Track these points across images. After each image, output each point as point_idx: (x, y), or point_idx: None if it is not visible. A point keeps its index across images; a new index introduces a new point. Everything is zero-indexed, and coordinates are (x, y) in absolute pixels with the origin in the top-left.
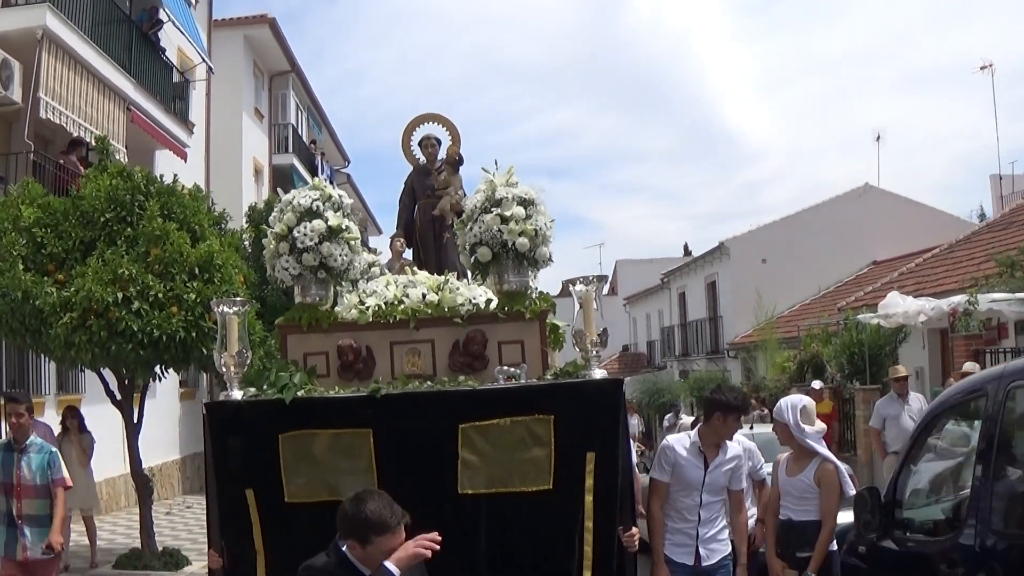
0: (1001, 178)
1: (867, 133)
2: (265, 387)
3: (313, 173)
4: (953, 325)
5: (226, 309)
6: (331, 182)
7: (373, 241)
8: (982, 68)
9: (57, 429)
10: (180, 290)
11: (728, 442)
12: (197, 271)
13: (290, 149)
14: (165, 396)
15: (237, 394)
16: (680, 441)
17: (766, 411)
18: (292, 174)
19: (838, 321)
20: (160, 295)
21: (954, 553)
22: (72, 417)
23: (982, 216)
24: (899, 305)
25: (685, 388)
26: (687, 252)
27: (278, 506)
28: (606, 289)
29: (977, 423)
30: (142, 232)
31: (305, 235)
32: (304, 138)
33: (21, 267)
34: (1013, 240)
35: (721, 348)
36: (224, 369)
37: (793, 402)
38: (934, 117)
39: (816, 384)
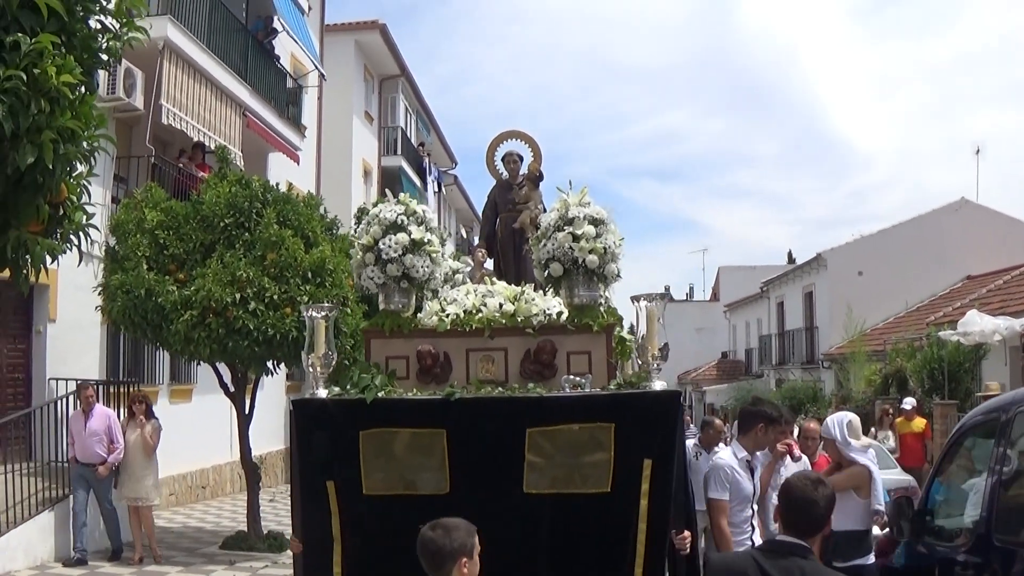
0: None
1: (975, 141)
2: (348, 387)
3: (421, 175)
4: None
5: (314, 314)
6: (439, 184)
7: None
8: None
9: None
10: (294, 292)
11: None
12: (310, 275)
13: (399, 151)
14: (273, 389)
15: (322, 392)
16: (731, 458)
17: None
18: (400, 176)
19: (922, 336)
20: (275, 297)
21: (972, 560)
22: (138, 402)
23: None
24: (977, 323)
25: (778, 397)
26: (791, 259)
27: (356, 498)
28: (708, 295)
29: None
30: (259, 237)
31: (390, 247)
32: (412, 140)
33: (145, 267)
34: None
35: (816, 358)
36: (311, 369)
37: (839, 419)
38: None
39: (908, 402)
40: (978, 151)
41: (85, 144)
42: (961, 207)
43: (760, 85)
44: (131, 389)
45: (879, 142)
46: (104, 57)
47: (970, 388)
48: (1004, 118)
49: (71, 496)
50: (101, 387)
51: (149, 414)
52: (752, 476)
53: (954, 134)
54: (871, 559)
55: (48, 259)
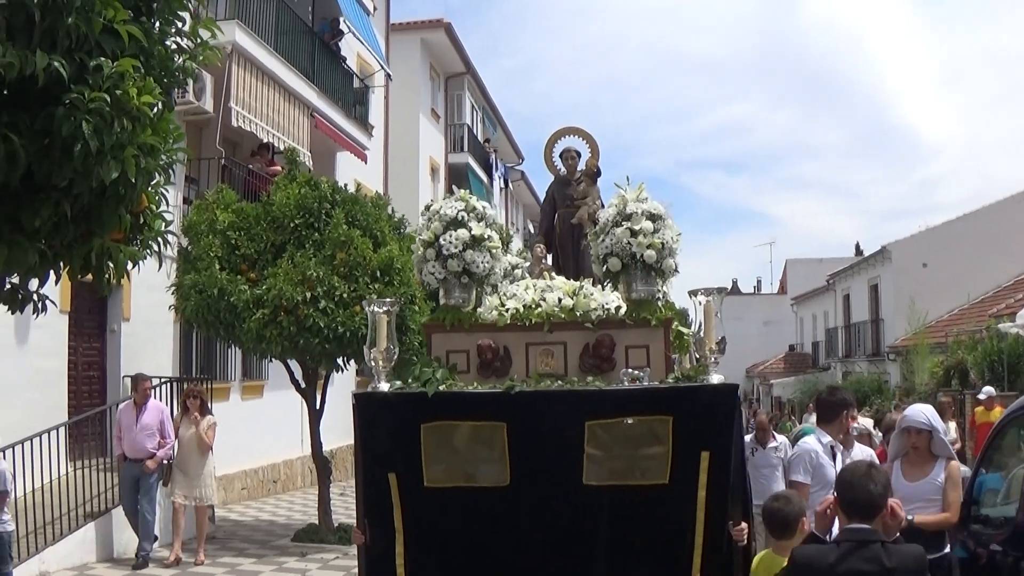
0: None
1: None
2: (410, 380)
3: (488, 171)
4: None
5: (375, 308)
6: (505, 180)
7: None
8: None
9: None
10: (363, 291)
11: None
12: (378, 274)
13: (465, 148)
14: (342, 385)
15: (384, 386)
16: (816, 443)
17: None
18: (467, 172)
19: (983, 329)
20: (344, 295)
21: (1011, 548)
22: (193, 397)
23: None
24: None
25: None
26: (859, 252)
27: (417, 490)
28: (776, 288)
29: None
30: (328, 237)
31: (450, 243)
32: (479, 137)
33: (217, 266)
34: None
35: (882, 351)
36: (373, 363)
37: (931, 411)
38: None
39: (986, 391)
40: None
41: (163, 157)
42: None
43: (825, 75)
44: (204, 385)
45: (946, 131)
46: (180, 76)
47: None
48: None
49: (123, 497)
50: (174, 384)
51: (204, 410)
52: (835, 462)
53: (1022, 124)
54: (947, 549)
55: (130, 265)
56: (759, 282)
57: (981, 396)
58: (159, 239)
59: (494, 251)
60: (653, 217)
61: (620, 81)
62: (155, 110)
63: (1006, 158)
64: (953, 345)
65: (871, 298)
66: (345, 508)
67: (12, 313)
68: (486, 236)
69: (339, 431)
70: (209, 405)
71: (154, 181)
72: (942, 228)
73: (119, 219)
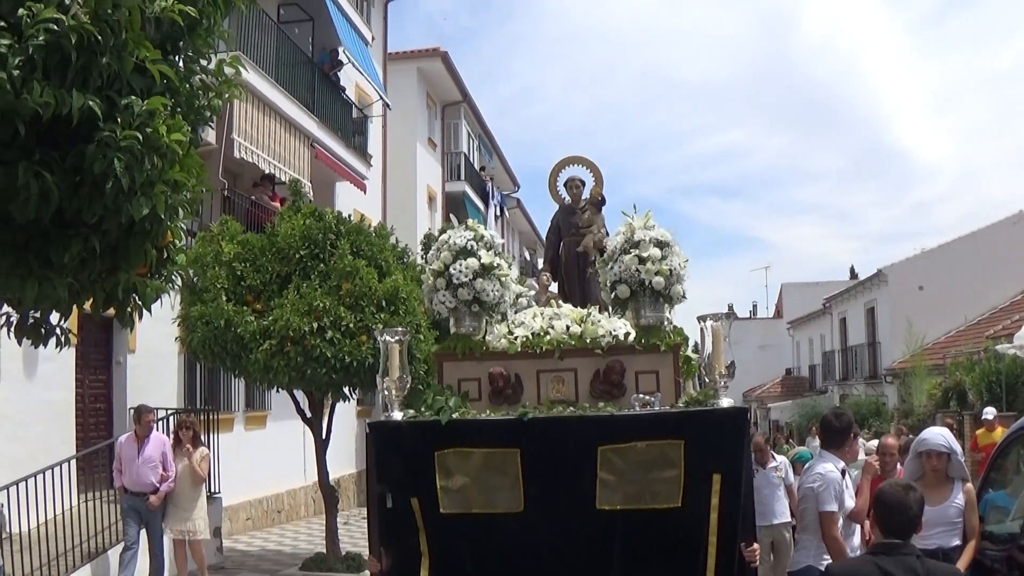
0: None
1: None
2: (423, 409)
3: (484, 199)
4: None
5: (388, 338)
6: (501, 208)
7: (541, 264)
8: None
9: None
10: (369, 321)
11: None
12: (384, 303)
13: (462, 176)
14: (344, 414)
15: (397, 415)
16: (837, 471)
17: (912, 437)
18: (464, 200)
19: (981, 350)
20: (351, 325)
21: (1015, 564)
22: (185, 428)
23: None
24: None
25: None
26: (853, 275)
27: (434, 516)
28: (772, 312)
29: None
30: (334, 268)
31: (460, 272)
32: (475, 165)
33: (223, 298)
34: None
35: (879, 373)
36: (386, 392)
37: (948, 433)
38: None
39: (989, 411)
40: None
41: (188, 193)
42: (1020, 220)
43: (821, 100)
44: (208, 416)
45: (941, 155)
46: (207, 113)
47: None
48: None
49: (125, 531)
50: (177, 415)
51: (197, 441)
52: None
53: (1016, 144)
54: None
55: (155, 299)
56: (755, 306)
57: (988, 416)
58: (180, 272)
59: (503, 279)
60: (661, 244)
61: (615, 107)
62: (183, 147)
63: (1000, 180)
64: (951, 367)
65: (867, 321)
66: (350, 537)
67: (35, 347)
68: (495, 264)
69: (343, 460)
70: (202, 436)
71: (178, 218)
72: (937, 251)
73: (144, 254)
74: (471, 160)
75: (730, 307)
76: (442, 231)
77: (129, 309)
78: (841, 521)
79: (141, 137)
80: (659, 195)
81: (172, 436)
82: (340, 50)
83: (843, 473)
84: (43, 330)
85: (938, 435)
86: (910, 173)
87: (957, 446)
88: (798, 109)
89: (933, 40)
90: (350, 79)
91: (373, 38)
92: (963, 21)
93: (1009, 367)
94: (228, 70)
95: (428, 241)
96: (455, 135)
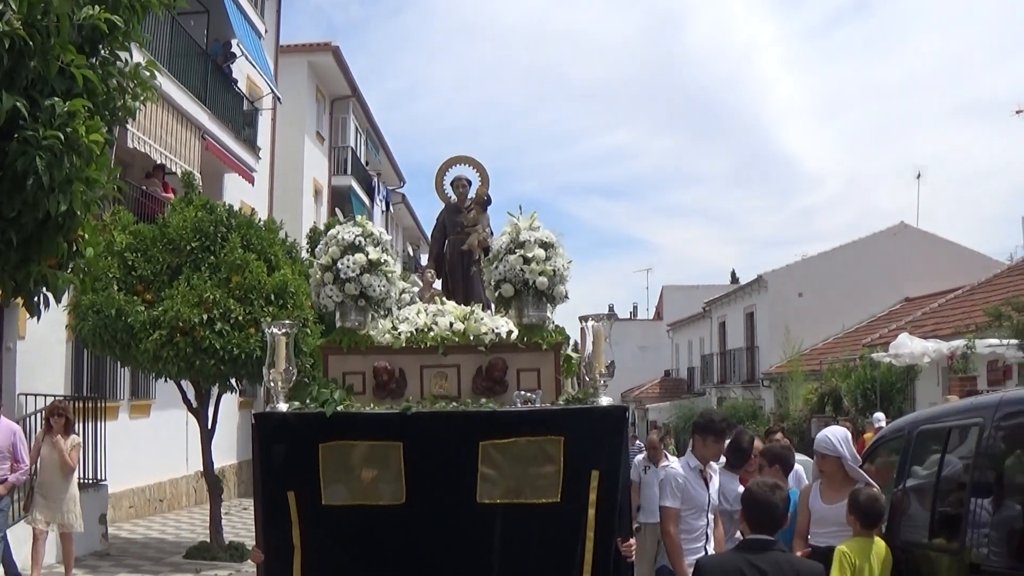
0: None
1: (917, 164)
2: (308, 401)
3: (370, 194)
4: (952, 366)
5: (275, 331)
6: (387, 203)
7: (424, 260)
8: (1018, 112)
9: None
10: (258, 314)
11: (713, 464)
12: (273, 297)
13: (348, 171)
14: (227, 405)
15: (283, 406)
16: (684, 467)
17: (786, 441)
18: (350, 195)
19: (857, 357)
20: (240, 318)
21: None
22: (57, 415)
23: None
24: (907, 346)
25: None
26: (734, 279)
27: (315, 508)
28: (652, 314)
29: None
30: (224, 260)
31: (348, 267)
32: (362, 160)
33: (115, 287)
34: None
35: (757, 377)
36: (272, 384)
37: (841, 435)
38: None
39: (878, 418)
40: (919, 175)
41: (101, 190)
42: (900, 231)
43: (708, 104)
44: (95, 405)
45: (826, 163)
46: (121, 115)
47: (902, 408)
48: (947, 140)
49: None
50: (69, 402)
51: (68, 429)
52: (707, 486)
53: (900, 155)
54: None
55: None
56: (635, 307)
57: (879, 423)
58: (88, 266)
59: (390, 275)
60: (545, 245)
61: (502, 105)
62: (100, 147)
63: (884, 189)
64: (827, 373)
65: (747, 325)
66: (231, 526)
67: None
68: (382, 261)
69: (223, 450)
70: (76, 425)
71: (91, 212)
72: (818, 258)
73: (57, 247)
74: (358, 155)
75: (611, 308)
76: (328, 225)
77: (36, 299)
78: (707, 518)
79: (63, 137)
80: (544, 194)
81: (44, 422)
82: (234, 43)
83: (702, 472)
84: None
85: (826, 438)
86: (795, 180)
87: (847, 450)
88: (685, 113)
89: (821, 49)
90: (242, 71)
91: (266, 30)
92: (852, 31)
93: (884, 374)
94: (143, 73)
95: (314, 235)
96: (343, 129)
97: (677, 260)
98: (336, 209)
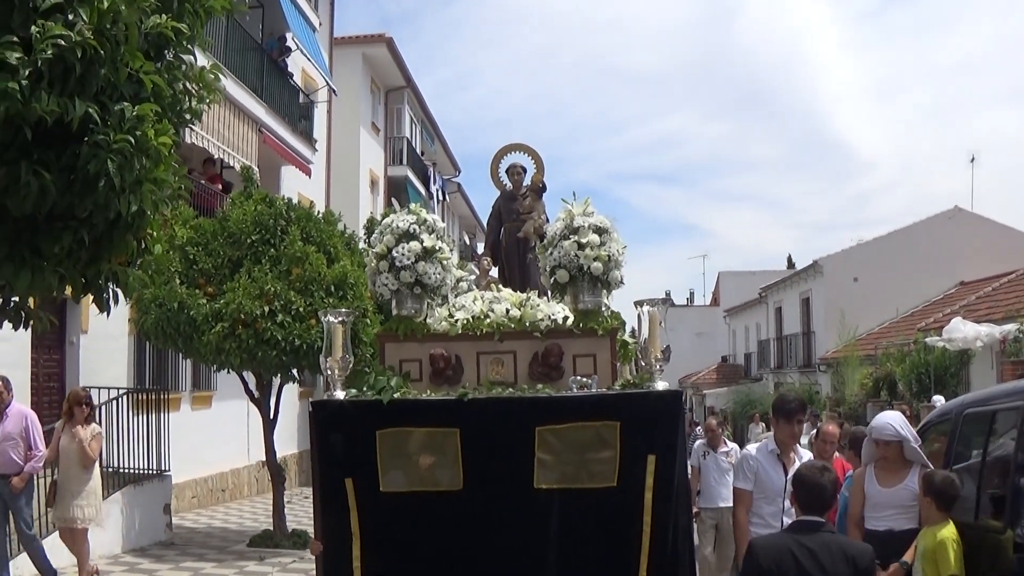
0: None
1: (971, 148)
2: (365, 389)
3: (425, 183)
4: (1004, 350)
5: (332, 319)
6: (443, 192)
7: (481, 248)
8: None
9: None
10: (318, 305)
11: (801, 448)
12: (332, 288)
13: (404, 161)
14: (286, 395)
15: (340, 394)
16: (760, 450)
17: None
18: (406, 185)
19: (911, 342)
20: (301, 309)
21: None
22: (79, 404)
23: None
24: (960, 330)
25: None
26: (791, 264)
27: (374, 495)
28: (708, 300)
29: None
30: (284, 253)
31: (403, 255)
32: (417, 149)
33: (177, 281)
34: None
35: (813, 362)
36: (329, 372)
37: (900, 419)
38: None
39: (938, 400)
40: (973, 159)
41: (169, 190)
42: (955, 215)
43: (761, 89)
44: (158, 396)
45: (880, 146)
46: (188, 117)
47: (956, 391)
48: (1002, 123)
49: None
50: (131, 395)
51: (90, 418)
52: (785, 470)
53: (955, 138)
54: None
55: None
56: (692, 294)
57: (936, 404)
58: (157, 263)
59: (445, 263)
60: (599, 230)
61: (554, 93)
62: (168, 148)
63: (939, 173)
64: (882, 357)
65: (803, 311)
66: (293, 515)
67: (15, 329)
68: (437, 248)
69: (284, 440)
70: (96, 414)
71: (159, 211)
72: (873, 243)
73: (127, 245)
74: (413, 145)
75: (667, 294)
76: (384, 216)
77: (106, 296)
78: (783, 504)
79: (133, 140)
80: (596, 181)
81: (65, 411)
82: (288, 36)
83: (778, 456)
84: (23, 313)
85: (886, 424)
86: (849, 164)
87: (910, 432)
88: (738, 98)
89: (875, 32)
90: (297, 64)
91: (320, 23)
92: (905, 13)
93: (938, 359)
94: (208, 76)
95: (371, 225)
96: (398, 120)
97: (732, 246)
98: (392, 199)
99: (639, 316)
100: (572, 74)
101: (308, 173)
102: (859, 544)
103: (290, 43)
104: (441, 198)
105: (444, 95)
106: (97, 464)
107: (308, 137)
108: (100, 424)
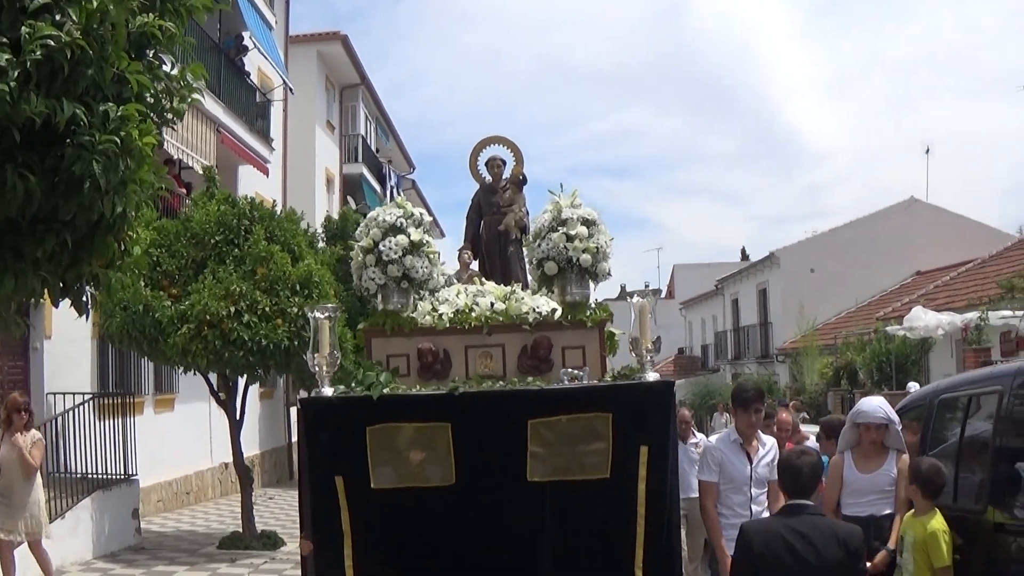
0: None
1: (925, 140)
2: (353, 385)
3: (381, 181)
4: (966, 338)
5: (318, 315)
6: (397, 189)
7: (436, 244)
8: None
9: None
10: (284, 304)
11: (763, 434)
12: (298, 287)
13: (359, 159)
14: (248, 396)
15: (328, 391)
16: (722, 440)
17: (804, 415)
18: (362, 183)
19: (871, 331)
20: (267, 309)
21: None
22: (17, 411)
23: None
24: (921, 319)
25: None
26: (745, 256)
27: (364, 492)
28: (664, 293)
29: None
30: (248, 253)
31: (390, 249)
32: (372, 147)
33: (141, 283)
34: None
35: (771, 353)
36: (316, 368)
37: (885, 403)
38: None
39: (913, 387)
40: (928, 150)
41: (151, 191)
42: (910, 206)
43: (715, 83)
44: (123, 400)
45: (833, 139)
46: (169, 117)
47: (918, 379)
48: (956, 114)
49: None
50: (96, 399)
51: (29, 425)
52: (750, 460)
53: (908, 131)
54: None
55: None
56: (647, 287)
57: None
58: (134, 263)
59: (432, 256)
60: (587, 222)
61: (507, 90)
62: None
63: (892, 165)
64: (842, 347)
65: (759, 302)
66: (259, 515)
67: None
68: (424, 242)
69: (246, 441)
70: (33, 420)
71: (141, 213)
72: (829, 234)
73: (108, 247)
74: (368, 142)
75: (623, 287)
76: (341, 214)
77: (84, 299)
78: (750, 493)
79: (118, 141)
80: (550, 176)
81: (4, 419)
82: (246, 35)
83: (741, 445)
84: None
85: (876, 407)
86: (802, 157)
87: (895, 416)
88: (692, 92)
89: (828, 25)
90: (253, 63)
91: (276, 21)
92: (859, 6)
93: (899, 347)
94: (188, 76)
95: (329, 224)
96: (353, 117)
97: (686, 239)
98: (348, 197)
99: (630, 307)
100: (525, 71)
101: (266, 172)
102: (848, 526)
103: (247, 42)
104: (397, 195)
105: (397, 92)
106: (39, 474)
107: (265, 136)
108: (55, 431)
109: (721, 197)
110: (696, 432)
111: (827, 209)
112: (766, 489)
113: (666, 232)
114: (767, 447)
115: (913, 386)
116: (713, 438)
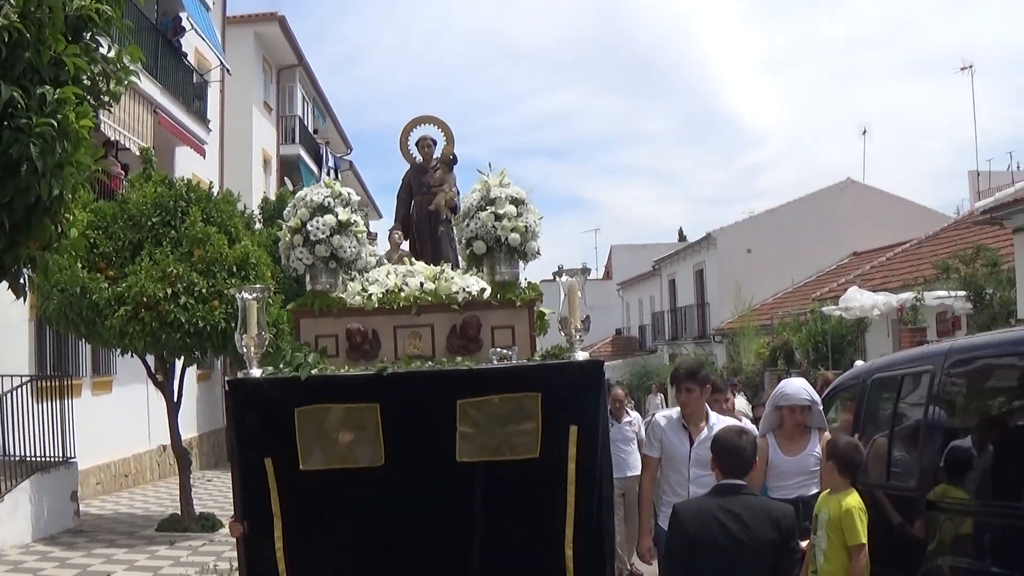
0: (979, 174)
1: (862, 121)
2: (281, 366)
3: (318, 162)
4: (901, 318)
5: (246, 295)
6: (335, 170)
7: (373, 225)
8: (962, 69)
9: None
10: (221, 286)
11: (716, 416)
12: (235, 268)
13: (296, 140)
14: (186, 378)
15: (256, 372)
16: (667, 418)
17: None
18: (299, 164)
19: (808, 311)
20: (204, 290)
21: None
22: None
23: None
24: (857, 299)
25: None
26: (682, 237)
27: (293, 474)
28: (601, 274)
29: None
30: (185, 234)
31: (318, 228)
32: (309, 128)
33: (78, 265)
34: (975, 238)
35: (708, 333)
36: (245, 349)
37: (807, 385)
38: (935, 104)
39: (859, 365)
40: (864, 132)
41: (87, 173)
42: (847, 187)
43: (652, 64)
44: (61, 383)
45: (770, 120)
46: (106, 99)
47: (853, 359)
48: (893, 95)
49: None
50: (34, 382)
51: None
52: (690, 439)
53: (845, 112)
54: None
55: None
56: (584, 266)
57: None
58: (72, 245)
59: (360, 236)
60: (516, 201)
61: (444, 69)
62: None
63: (829, 146)
64: (779, 327)
65: (696, 283)
66: (197, 499)
67: None
68: (352, 221)
69: (185, 423)
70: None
71: (78, 195)
72: (766, 215)
73: (45, 230)
74: (305, 123)
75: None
76: (278, 196)
77: (22, 281)
78: (688, 473)
79: (55, 123)
80: (487, 156)
81: None
82: (183, 16)
83: (683, 424)
84: None
85: (800, 389)
86: (739, 138)
87: (817, 396)
88: (629, 73)
89: (767, 6)
90: (190, 44)
91: (214, 2)
92: None
93: (835, 328)
94: (125, 58)
95: (266, 205)
96: (290, 99)
97: (624, 220)
98: (285, 179)
99: (560, 286)
100: (462, 51)
101: (203, 154)
102: (781, 505)
103: (185, 23)
104: (334, 176)
105: (335, 73)
106: None
107: (202, 117)
108: (4, 412)
109: (659, 178)
110: (631, 411)
111: (764, 190)
112: (709, 471)
113: (604, 213)
114: (709, 427)
115: (860, 364)
116: (660, 415)
